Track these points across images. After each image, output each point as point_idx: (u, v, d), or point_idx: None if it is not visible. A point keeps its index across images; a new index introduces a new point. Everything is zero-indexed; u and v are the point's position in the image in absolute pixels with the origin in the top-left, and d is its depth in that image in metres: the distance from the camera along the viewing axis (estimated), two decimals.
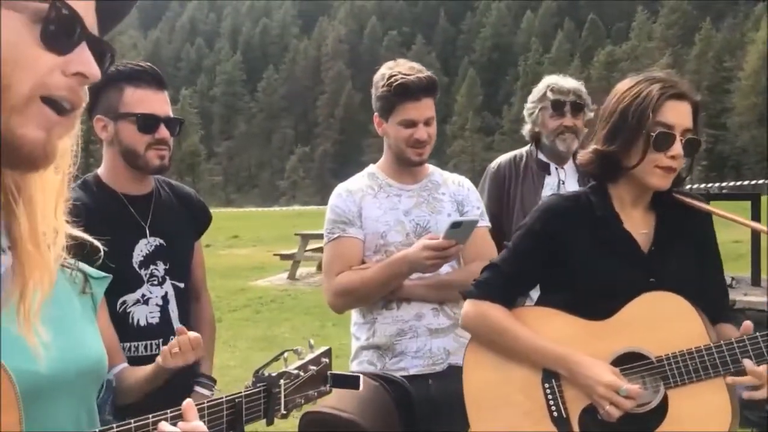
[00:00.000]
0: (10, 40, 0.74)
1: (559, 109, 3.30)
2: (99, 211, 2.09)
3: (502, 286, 2.09)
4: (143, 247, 2.25)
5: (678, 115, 1.93)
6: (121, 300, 2.15)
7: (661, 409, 1.90)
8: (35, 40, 0.76)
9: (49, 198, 0.88)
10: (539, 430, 1.97)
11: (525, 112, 3.48)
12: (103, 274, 1.79)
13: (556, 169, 3.37)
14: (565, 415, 1.96)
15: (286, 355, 1.50)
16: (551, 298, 2.08)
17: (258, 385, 1.40)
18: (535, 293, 2.30)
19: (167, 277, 2.28)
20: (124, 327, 2.10)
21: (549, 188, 3.32)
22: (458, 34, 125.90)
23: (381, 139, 2.70)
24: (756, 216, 6.07)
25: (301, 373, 1.49)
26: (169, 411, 1.16)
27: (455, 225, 2.32)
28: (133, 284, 2.19)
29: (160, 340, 2.21)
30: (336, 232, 2.56)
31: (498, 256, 2.16)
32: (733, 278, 6.26)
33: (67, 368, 1.49)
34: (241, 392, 1.36)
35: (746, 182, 30.30)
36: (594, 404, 1.90)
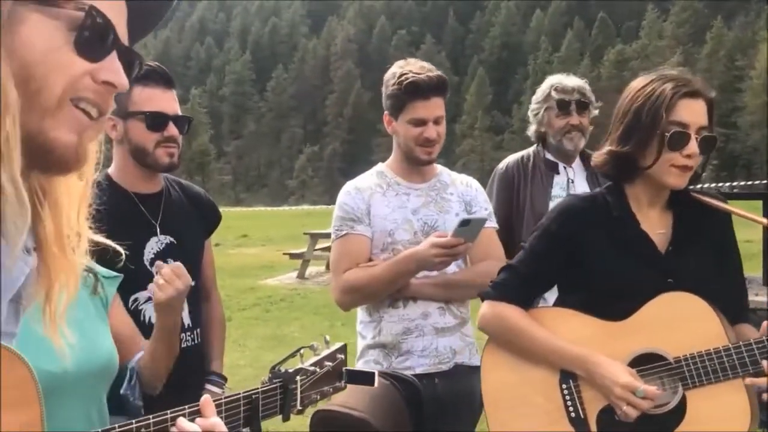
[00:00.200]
0: (45, 45, 0.77)
1: (565, 108, 3.29)
2: (110, 210, 2.08)
3: (519, 287, 2.08)
4: (154, 245, 2.25)
5: (692, 113, 1.90)
6: (132, 297, 2.15)
7: (680, 410, 1.88)
8: (69, 46, 0.79)
9: (73, 202, 0.90)
10: (557, 431, 1.96)
11: (530, 113, 3.48)
12: (114, 273, 1.79)
13: (565, 168, 3.36)
14: (582, 416, 1.95)
15: (302, 351, 1.49)
16: (568, 299, 2.07)
17: (274, 381, 1.40)
18: (549, 295, 2.29)
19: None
20: (136, 324, 2.09)
21: (558, 187, 3.31)
22: (467, 34, 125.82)
23: (390, 138, 2.69)
24: None
25: (317, 370, 1.49)
26: (186, 407, 1.16)
27: (464, 223, 2.32)
28: (144, 282, 2.18)
29: None
30: (344, 229, 2.56)
31: (515, 258, 2.15)
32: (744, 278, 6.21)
33: (79, 368, 1.50)
34: (257, 388, 1.35)
35: (758, 182, 30.11)
36: (611, 405, 1.89)
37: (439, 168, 2.70)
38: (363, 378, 1.59)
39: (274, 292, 11.76)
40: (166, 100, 2.24)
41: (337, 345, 1.59)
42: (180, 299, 1.88)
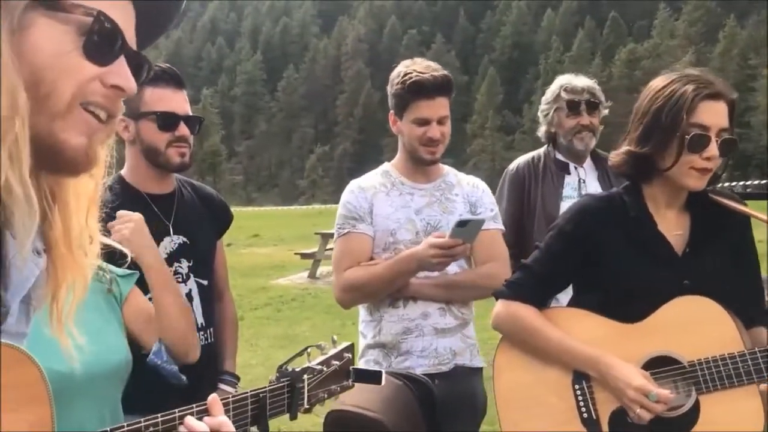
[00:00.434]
0: (54, 50, 0.78)
1: (575, 109, 3.28)
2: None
3: (533, 286, 2.06)
4: (167, 245, 2.26)
5: (713, 115, 1.87)
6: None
7: (693, 414, 1.87)
8: (78, 50, 0.80)
9: (82, 204, 0.90)
10: (569, 431, 1.95)
11: (540, 114, 3.47)
12: (129, 271, 1.80)
13: (576, 168, 3.35)
14: (595, 417, 1.94)
15: (309, 350, 1.49)
16: (583, 299, 2.06)
17: (282, 380, 1.40)
18: (563, 296, 2.28)
19: (191, 275, 2.28)
20: None
21: (569, 188, 3.30)
22: (478, 33, 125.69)
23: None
24: None
25: (324, 369, 1.49)
26: (194, 405, 1.17)
27: (461, 224, 2.30)
28: None
29: None
30: (346, 227, 2.56)
31: (530, 257, 2.13)
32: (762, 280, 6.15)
33: (92, 369, 1.50)
34: (265, 387, 1.35)
35: None
36: (624, 407, 1.88)
37: (445, 169, 2.69)
38: (370, 377, 1.59)
39: (285, 291, 11.79)
40: (176, 101, 2.25)
41: (344, 344, 1.59)
42: (139, 231, 1.98)
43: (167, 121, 2.21)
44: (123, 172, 2.32)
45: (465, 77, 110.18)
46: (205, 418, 1.16)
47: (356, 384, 1.61)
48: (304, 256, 13.38)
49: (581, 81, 3.34)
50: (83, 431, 1.47)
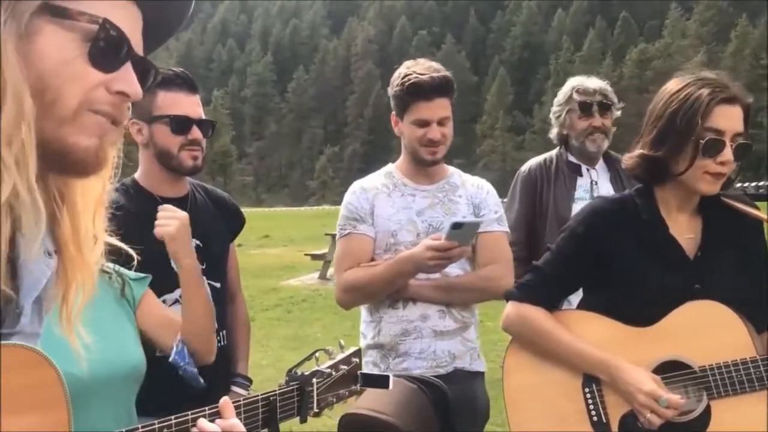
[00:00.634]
0: (60, 57, 0.79)
1: (587, 110, 3.28)
2: (137, 214, 2.12)
3: (544, 288, 2.06)
4: None
5: (729, 119, 1.85)
6: (160, 300, 2.18)
7: (704, 419, 1.86)
8: (83, 57, 0.80)
9: (89, 205, 0.91)
10: None
11: (551, 116, 3.47)
12: (142, 275, 1.81)
13: (588, 170, 3.34)
14: (605, 420, 1.93)
15: (317, 354, 1.51)
16: (594, 302, 2.05)
17: (291, 383, 1.41)
18: (574, 298, 2.28)
19: (204, 278, 2.30)
20: None
21: (582, 189, 3.30)
22: (488, 33, 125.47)
23: None
24: None
25: (333, 372, 1.50)
26: (207, 408, 1.18)
27: (456, 226, 2.28)
28: (171, 284, 2.20)
29: None
30: (347, 228, 2.56)
31: (541, 259, 2.13)
32: None
33: (106, 372, 1.52)
34: (275, 390, 1.37)
35: None
36: (634, 411, 1.88)
37: (450, 170, 2.68)
38: (377, 381, 1.60)
39: (296, 292, 11.82)
40: (189, 104, 2.27)
41: (352, 349, 1.60)
42: (185, 230, 1.96)
43: (180, 124, 2.23)
44: (137, 175, 2.34)
45: (475, 78, 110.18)
46: (217, 420, 1.18)
47: (367, 388, 1.62)
48: (314, 257, 13.41)
49: (593, 82, 3.34)
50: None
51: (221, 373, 2.32)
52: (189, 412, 1.15)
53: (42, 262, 0.87)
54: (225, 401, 1.19)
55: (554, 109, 3.43)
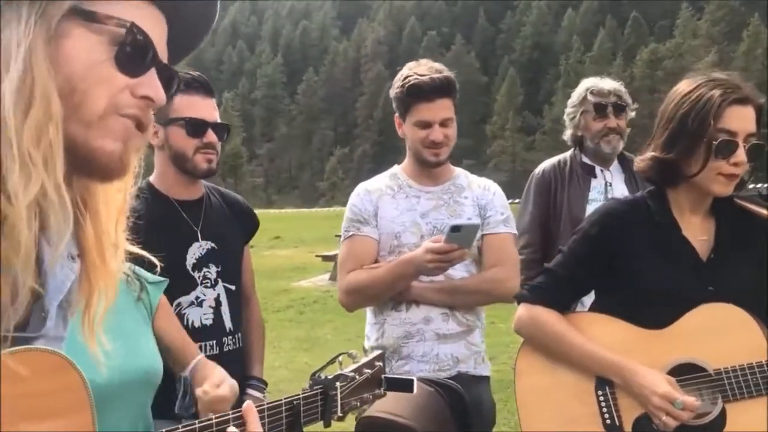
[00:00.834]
0: (88, 60, 0.80)
1: (602, 111, 3.27)
2: (152, 216, 2.13)
3: (556, 290, 2.05)
4: (196, 250, 2.29)
5: (741, 120, 1.84)
6: (176, 302, 2.20)
7: (719, 422, 1.85)
8: (110, 61, 0.81)
9: (111, 212, 0.92)
10: None
11: (565, 117, 3.45)
12: (160, 278, 1.81)
13: (602, 171, 3.33)
14: (618, 423, 1.93)
15: (341, 358, 1.51)
16: (607, 304, 2.05)
17: (315, 387, 1.41)
18: (587, 299, 2.27)
19: (219, 280, 2.32)
20: None
21: (596, 191, 3.29)
22: (498, 34, 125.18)
23: None
24: None
25: (357, 376, 1.49)
26: (230, 413, 1.17)
27: (455, 229, 2.27)
28: (187, 286, 2.23)
29: (214, 341, 2.26)
30: (351, 230, 2.56)
31: (553, 261, 2.12)
32: None
33: (125, 377, 1.52)
34: (299, 394, 1.37)
35: None
36: (649, 414, 1.87)
37: (456, 171, 2.66)
38: (402, 385, 1.59)
39: (307, 293, 11.84)
40: (205, 108, 2.29)
41: (376, 352, 1.60)
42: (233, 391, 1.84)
43: (195, 127, 2.25)
44: (152, 178, 2.36)
45: (485, 78, 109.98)
46: (245, 430, 1.16)
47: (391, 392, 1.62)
48: (325, 258, 13.42)
49: (608, 83, 3.33)
50: None
51: (237, 377, 2.33)
52: (213, 417, 1.14)
53: (66, 266, 0.88)
54: (248, 406, 1.18)
55: (568, 110, 3.42)
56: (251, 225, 2.59)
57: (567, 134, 3.45)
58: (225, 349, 2.27)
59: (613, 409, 1.94)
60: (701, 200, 1.97)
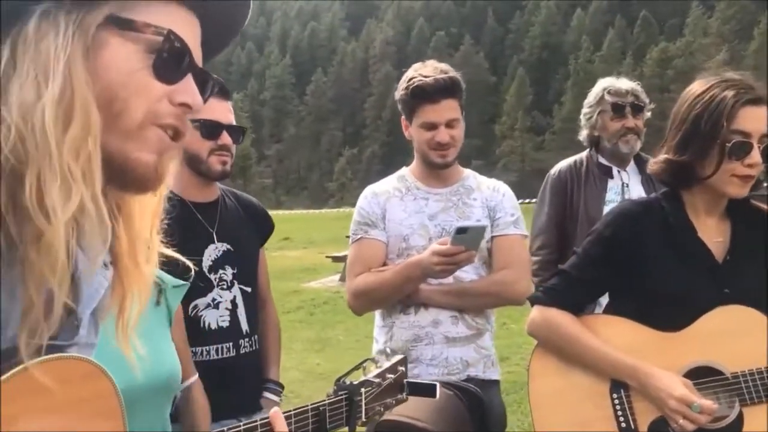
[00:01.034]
0: (126, 68, 0.79)
1: (620, 112, 3.26)
2: (168, 219, 2.15)
3: (570, 292, 2.05)
4: (212, 252, 2.30)
5: (755, 121, 1.83)
6: (192, 304, 2.21)
7: (737, 425, 1.84)
8: (148, 69, 0.80)
9: (145, 217, 0.92)
10: None
11: (582, 117, 3.43)
12: (181, 282, 1.82)
13: (619, 171, 3.31)
14: (633, 427, 1.92)
15: (365, 364, 1.51)
16: (621, 307, 2.04)
17: (340, 393, 1.42)
18: (604, 300, 2.26)
19: (235, 282, 2.32)
20: (196, 331, 2.16)
21: (613, 192, 3.26)
22: (507, 34, 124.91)
23: None
24: None
25: (381, 382, 1.50)
26: (258, 419, 1.18)
27: (461, 230, 2.25)
28: (203, 288, 2.24)
29: (230, 344, 2.26)
30: (359, 233, 2.56)
31: (567, 262, 2.11)
32: None
33: (153, 382, 1.54)
34: (324, 400, 1.38)
35: None
36: (666, 417, 1.86)
37: (465, 172, 2.64)
38: (424, 390, 1.60)
39: (317, 295, 11.84)
40: (221, 110, 2.29)
41: (398, 357, 1.60)
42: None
43: (210, 129, 2.26)
44: None
45: (494, 78, 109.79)
46: None
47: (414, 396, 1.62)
48: (335, 259, 13.41)
49: (625, 83, 3.32)
50: None
51: (253, 379, 2.34)
52: (241, 424, 1.15)
53: (99, 274, 0.88)
54: (276, 413, 1.19)
55: (584, 110, 3.40)
56: (266, 227, 2.59)
57: (583, 134, 3.42)
58: (241, 352, 2.27)
59: (628, 412, 1.93)
60: (716, 202, 1.96)
